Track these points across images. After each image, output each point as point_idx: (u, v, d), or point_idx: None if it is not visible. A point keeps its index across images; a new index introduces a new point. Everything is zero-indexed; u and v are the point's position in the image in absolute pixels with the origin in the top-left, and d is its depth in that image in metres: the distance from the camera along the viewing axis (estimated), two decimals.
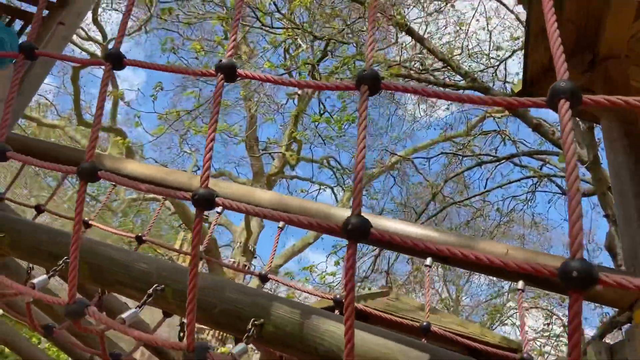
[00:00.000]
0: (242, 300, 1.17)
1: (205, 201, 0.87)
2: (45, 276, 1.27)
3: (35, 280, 1.25)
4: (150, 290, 1.19)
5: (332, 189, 16.13)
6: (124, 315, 1.13)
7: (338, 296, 1.64)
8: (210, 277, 1.24)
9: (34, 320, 1.59)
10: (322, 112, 11.73)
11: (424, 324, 1.61)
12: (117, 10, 13.46)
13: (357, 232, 0.68)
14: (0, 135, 1.22)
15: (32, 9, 3.31)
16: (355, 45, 9.41)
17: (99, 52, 13.22)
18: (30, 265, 1.55)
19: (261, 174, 14.12)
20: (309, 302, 10.78)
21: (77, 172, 1.02)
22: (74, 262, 1.00)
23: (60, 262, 1.30)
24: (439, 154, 12.53)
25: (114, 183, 1.08)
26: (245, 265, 11.45)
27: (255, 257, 13.38)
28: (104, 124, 14.66)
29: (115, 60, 1.08)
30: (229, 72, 0.95)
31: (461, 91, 8.51)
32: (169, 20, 9.83)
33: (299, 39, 9.77)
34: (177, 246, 12.70)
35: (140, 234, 2.05)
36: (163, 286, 1.22)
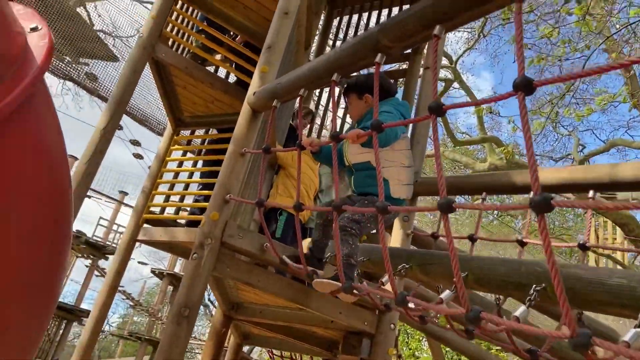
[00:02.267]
0: None
1: None
2: (524, 307, 1.32)
3: (517, 313, 1.32)
4: None
5: None
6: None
7: None
8: None
9: (517, 345, 1.68)
10: None
11: None
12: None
13: None
14: (441, 192, 1.33)
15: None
16: None
17: (449, 75, 14.04)
18: (498, 296, 1.65)
19: None
20: None
21: (531, 206, 1.02)
22: (559, 289, 0.99)
23: (532, 291, 1.33)
24: None
25: (568, 207, 1.04)
26: None
27: None
28: (475, 138, 15.25)
29: (526, 88, 1.07)
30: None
31: None
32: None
33: None
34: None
35: (583, 242, 1.93)
36: None
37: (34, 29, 1.12)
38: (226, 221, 2.44)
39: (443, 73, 14.32)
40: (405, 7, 5.08)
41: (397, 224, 2.94)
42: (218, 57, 4.28)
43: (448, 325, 2.08)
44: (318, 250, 2.19)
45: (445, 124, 13.80)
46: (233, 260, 2.51)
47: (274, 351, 5.04)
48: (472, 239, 2.46)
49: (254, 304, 3.30)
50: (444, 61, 13.97)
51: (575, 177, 2.05)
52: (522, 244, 2.26)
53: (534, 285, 1.36)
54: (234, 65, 4.16)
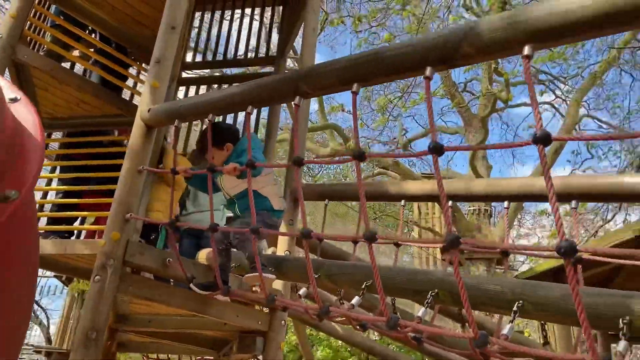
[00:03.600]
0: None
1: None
2: (424, 309, 1.70)
3: (420, 313, 1.69)
4: (515, 308, 1.52)
5: (551, 104, 15.22)
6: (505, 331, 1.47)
7: None
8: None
9: (408, 338, 2.10)
10: None
11: None
12: None
13: None
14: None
15: None
16: None
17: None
18: (393, 298, 2.03)
19: (471, 117, 13.81)
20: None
21: (445, 245, 1.37)
22: (464, 297, 1.35)
23: (429, 295, 1.71)
24: None
25: (474, 248, 1.42)
26: None
27: None
28: (316, 125, 16.13)
29: (438, 151, 1.41)
30: (545, 140, 1.18)
31: None
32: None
33: None
34: None
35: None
36: (522, 302, 1.53)
37: (13, 100, 1.12)
38: (127, 240, 2.44)
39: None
40: (257, 9, 5.30)
41: (283, 228, 3.20)
42: (76, 53, 4.01)
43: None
44: (224, 274, 2.45)
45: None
46: (135, 278, 2.53)
47: (150, 355, 4.98)
48: (355, 241, 2.85)
49: (142, 314, 3.30)
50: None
51: (436, 189, 2.53)
52: (397, 245, 2.72)
53: (430, 291, 1.75)
54: (96, 64, 3.95)
